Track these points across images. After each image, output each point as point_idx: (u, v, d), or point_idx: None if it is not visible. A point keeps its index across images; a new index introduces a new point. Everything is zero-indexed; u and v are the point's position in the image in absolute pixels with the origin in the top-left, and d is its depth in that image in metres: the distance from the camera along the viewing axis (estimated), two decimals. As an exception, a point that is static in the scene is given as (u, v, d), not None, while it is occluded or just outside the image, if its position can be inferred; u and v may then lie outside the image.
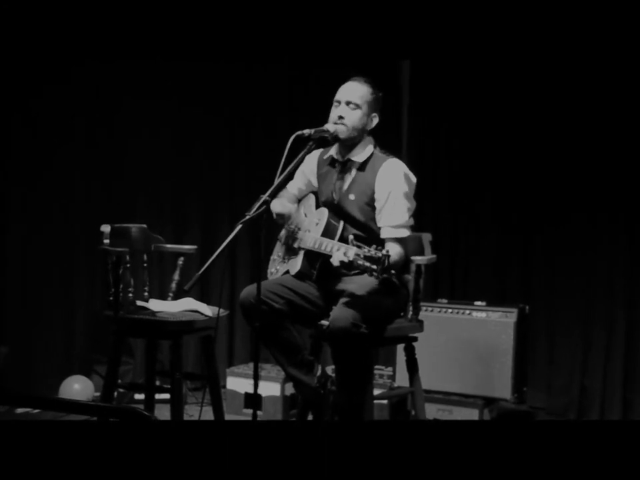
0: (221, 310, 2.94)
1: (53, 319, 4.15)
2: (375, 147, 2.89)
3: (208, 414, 3.17)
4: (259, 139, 4.37)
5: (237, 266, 4.42)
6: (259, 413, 3.73)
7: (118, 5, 3.98)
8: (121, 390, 3.75)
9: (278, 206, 2.90)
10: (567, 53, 3.90)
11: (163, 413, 3.42)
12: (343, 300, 2.67)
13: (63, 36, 3.99)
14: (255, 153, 4.37)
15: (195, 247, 3.43)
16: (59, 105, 4.12)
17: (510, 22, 3.93)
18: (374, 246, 2.45)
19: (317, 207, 2.99)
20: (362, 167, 2.86)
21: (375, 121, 2.87)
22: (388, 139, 3.41)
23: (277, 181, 2.56)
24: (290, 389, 3.74)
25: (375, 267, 2.41)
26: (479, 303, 3.86)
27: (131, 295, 3.11)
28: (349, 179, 2.89)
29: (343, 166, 2.91)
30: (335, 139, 2.84)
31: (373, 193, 2.81)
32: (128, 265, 3.07)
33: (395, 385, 3.78)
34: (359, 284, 2.71)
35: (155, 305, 3.05)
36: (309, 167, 3.02)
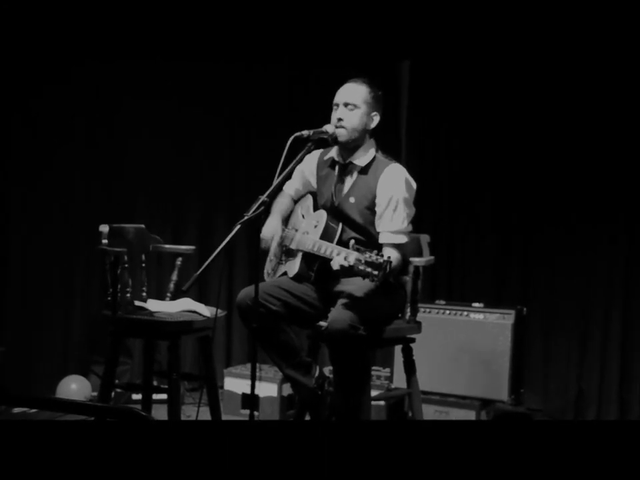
0: (219, 310, 2.94)
1: (51, 319, 4.15)
2: (377, 151, 2.88)
3: (205, 414, 3.18)
4: (259, 139, 4.37)
5: (235, 266, 4.42)
6: (256, 413, 3.73)
7: (118, 5, 3.98)
8: (119, 390, 3.75)
9: (265, 230, 2.89)
10: (567, 52, 3.90)
11: (160, 413, 3.42)
12: (341, 302, 2.67)
13: (63, 36, 3.99)
14: (255, 153, 4.38)
15: (193, 247, 3.43)
16: (58, 105, 4.12)
17: (510, 22, 3.93)
18: (375, 251, 2.46)
19: (315, 208, 2.99)
20: (364, 170, 2.86)
21: (376, 119, 2.87)
22: (387, 139, 3.41)
23: (275, 182, 2.57)
24: (287, 390, 3.74)
25: (375, 272, 2.41)
26: (476, 304, 3.87)
27: (129, 295, 3.11)
28: (349, 182, 2.89)
29: (344, 168, 2.90)
30: (334, 140, 2.84)
31: (374, 197, 2.81)
32: (126, 265, 3.07)
33: (393, 386, 3.78)
34: (357, 285, 2.71)
35: (152, 305, 3.06)
36: (308, 168, 3.02)
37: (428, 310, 3.86)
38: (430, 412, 3.72)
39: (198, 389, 4.11)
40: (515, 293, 4.10)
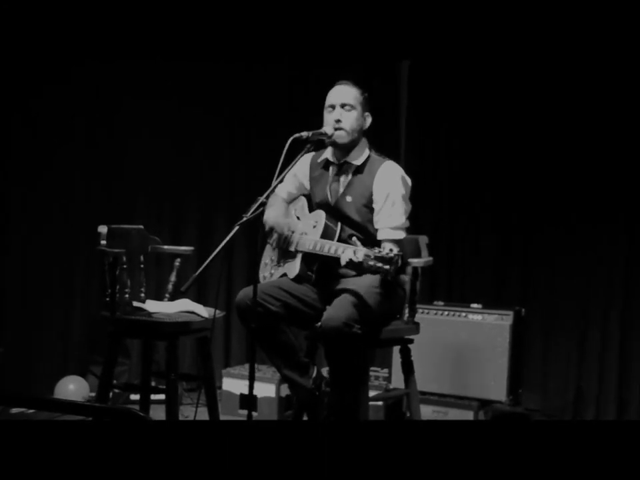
0: (217, 311, 2.94)
1: (50, 320, 4.15)
2: (370, 149, 2.92)
3: (203, 415, 3.18)
4: (259, 139, 4.37)
5: (234, 267, 4.42)
6: (254, 413, 3.73)
7: (118, 5, 3.98)
8: (117, 390, 3.75)
9: (272, 216, 2.91)
10: (567, 52, 3.90)
11: (158, 413, 3.42)
12: (337, 300, 2.67)
13: (63, 36, 3.99)
14: (255, 153, 4.38)
15: (191, 248, 3.43)
16: (59, 105, 4.12)
17: (509, 22, 3.93)
18: (383, 246, 2.45)
19: (310, 209, 3.00)
20: (359, 169, 2.88)
21: (369, 120, 2.90)
22: (386, 139, 3.43)
23: (274, 183, 2.57)
24: (285, 390, 3.74)
25: (387, 267, 2.41)
26: (475, 305, 3.87)
27: (127, 295, 3.11)
28: (345, 181, 2.90)
29: (339, 168, 2.91)
30: (333, 143, 2.85)
31: (371, 194, 2.83)
32: (125, 266, 3.07)
33: (391, 386, 3.79)
34: (357, 284, 2.71)
35: (151, 305, 3.05)
36: (301, 170, 3.02)
37: (426, 311, 3.86)
38: (428, 412, 3.72)
39: (196, 389, 4.11)
40: (514, 293, 4.11)
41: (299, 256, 2.86)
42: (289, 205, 3.10)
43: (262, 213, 2.48)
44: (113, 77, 4.21)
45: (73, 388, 3.90)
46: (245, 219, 2.41)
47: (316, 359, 3.04)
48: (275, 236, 2.99)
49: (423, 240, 3.16)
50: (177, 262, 3.32)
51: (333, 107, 2.85)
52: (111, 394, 3.38)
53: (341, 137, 2.83)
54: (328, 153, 2.95)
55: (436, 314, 3.88)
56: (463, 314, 3.84)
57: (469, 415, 3.72)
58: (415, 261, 2.98)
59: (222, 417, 3.42)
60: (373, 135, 2.96)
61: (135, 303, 3.08)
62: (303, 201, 3.05)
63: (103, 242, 3.04)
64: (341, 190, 2.89)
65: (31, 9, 3.90)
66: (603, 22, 3.75)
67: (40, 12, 3.92)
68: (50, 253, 4.12)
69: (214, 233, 4.34)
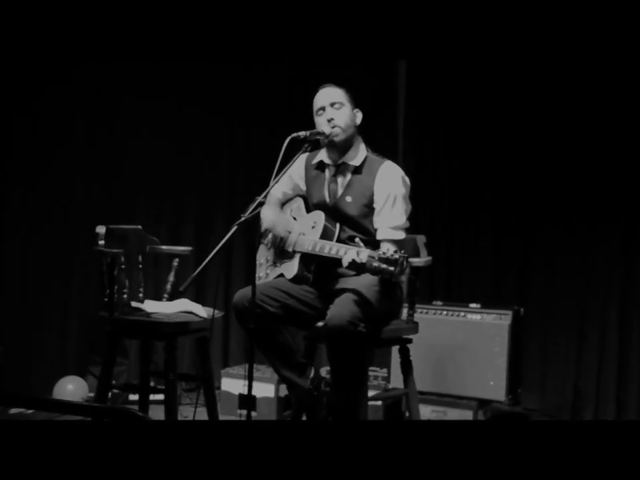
0: (216, 311, 2.94)
1: (49, 320, 4.14)
2: (367, 149, 2.92)
3: (202, 415, 3.17)
4: (259, 139, 4.37)
5: (232, 267, 4.42)
6: (253, 414, 3.73)
7: (118, 5, 3.98)
8: (115, 390, 3.74)
9: (269, 217, 2.91)
10: (566, 53, 3.90)
11: (157, 413, 3.42)
12: (340, 298, 2.66)
13: (63, 36, 3.99)
14: (255, 153, 4.38)
15: (190, 248, 3.43)
16: (59, 105, 4.12)
17: (508, 21, 3.93)
18: (381, 245, 2.45)
19: (307, 210, 2.99)
20: (357, 170, 2.88)
21: (360, 115, 2.91)
22: (385, 139, 3.43)
23: (272, 183, 2.57)
24: (284, 391, 3.74)
25: (392, 268, 2.40)
26: (473, 305, 3.87)
27: (125, 296, 3.11)
28: (343, 182, 2.90)
29: (336, 169, 2.91)
30: (330, 142, 2.85)
31: (372, 194, 2.83)
32: (123, 266, 3.07)
33: (390, 386, 3.79)
34: (358, 283, 2.71)
35: (149, 306, 3.05)
36: (296, 171, 3.03)
37: (425, 310, 3.86)
38: (427, 412, 3.72)
39: (195, 389, 4.10)
40: (513, 293, 4.11)
41: (297, 256, 2.86)
42: (284, 205, 3.10)
43: (260, 212, 2.48)
44: (113, 77, 4.21)
45: (71, 388, 3.90)
46: (243, 218, 2.41)
47: (314, 360, 3.04)
48: (269, 236, 2.99)
49: (421, 239, 3.16)
50: (175, 262, 3.31)
51: (322, 108, 2.86)
52: (109, 394, 3.38)
53: (338, 135, 2.83)
54: (322, 155, 2.95)
55: (435, 314, 3.88)
56: (462, 314, 3.84)
57: (467, 415, 3.72)
58: (414, 261, 2.99)
59: (221, 417, 3.42)
60: (372, 134, 2.96)
61: (134, 303, 3.08)
62: (300, 202, 3.05)
63: (101, 242, 3.04)
64: (340, 191, 2.89)
65: (31, 9, 3.89)
66: (602, 22, 3.75)
67: (40, 12, 3.91)
68: (49, 253, 4.12)
69: (212, 233, 4.34)
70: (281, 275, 2.92)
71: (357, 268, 2.50)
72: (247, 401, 2.56)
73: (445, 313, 3.87)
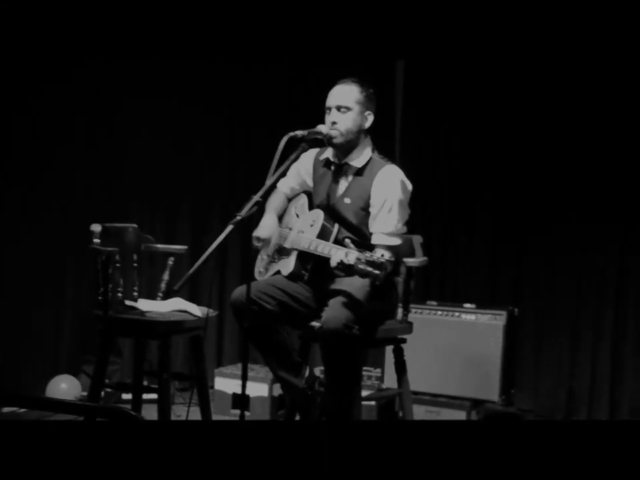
0: (210, 310, 2.94)
1: (42, 318, 4.12)
2: (373, 151, 2.88)
3: (195, 414, 3.17)
4: (258, 138, 4.36)
5: (227, 266, 4.41)
6: (246, 413, 3.72)
7: (118, 5, 3.97)
8: (109, 390, 3.73)
9: (263, 230, 2.89)
10: (565, 52, 3.90)
11: (150, 413, 3.41)
12: (334, 301, 2.66)
13: (63, 36, 3.98)
14: (255, 153, 4.36)
15: (185, 247, 3.43)
16: (59, 105, 4.10)
17: (506, 21, 3.92)
18: (375, 250, 2.46)
19: (310, 207, 2.99)
20: (359, 171, 2.85)
21: (370, 119, 2.86)
22: (382, 139, 3.38)
23: (268, 182, 2.57)
24: (278, 390, 3.73)
25: (377, 272, 2.41)
26: (468, 305, 3.88)
27: (120, 294, 3.10)
28: (345, 182, 2.89)
29: (339, 169, 2.90)
30: (329, 141, 2.84)
31: (369, 198, 2.81)
32: (118, 265, 3.06)
33: (384, 386, 3.79)
34: (352, 285, 2.71)
35: (144, 304, 3.05)
36: (304, 167, 3.02)
37: (419, 310, 3.86)
38: (420, 412, 3.72)
39: (188, 388, 4.10)
40: (507, 293, 4.11)
41: (294, 254, 2.86)
42: (289, 202, 3.09)
43: (257, 211, 2.47)
44: (113, 77, 4.20)
45: (65, 387, 3.89)
46: (239, 217, 2.40)
47: (309, 359, 3.04)
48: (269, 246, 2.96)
49: (417, 239, 3.16)
50: (170, 261, 3.31)
51: (329, 108, 2.84)
52: (103, 393, 3.37)
53: (336, 137, 2.81)
54: (329, 152, 2.94)
55: (429, 314, 3.88)
56: (456, 314, 3.84)
57: (461, 415, 3.73)
58: (409, 261, 2.98)
59: (214, 417, 3.41)
60: (371, 134, 2.95)
61: (128, 302, 3.07)
62: (304, 199, 3.04)
63: (96, 240, 3.03)
64: (340, 192, 2.88)
65: (31, 9, 3.88)
66: (601, 22, 3.75)
67: (40, 12, 3.90)
68: (49, 253, 4.10)
69: (209, 232, 4.33)
70: (278, 272, 2.91)
71: (345, 269, 2.50)
72: (241, 400, 2.56)
73: (439, 313, 3.87)
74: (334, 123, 2.80)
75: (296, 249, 2.85)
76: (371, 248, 2.72)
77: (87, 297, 4.14)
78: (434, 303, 3.95)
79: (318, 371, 3.47)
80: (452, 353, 3.79)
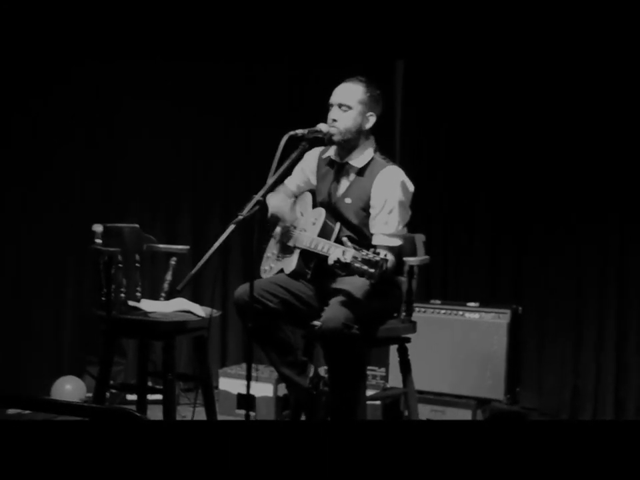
0: (214, 310, 2.94)
1: (44, 319, 4.13)
2: (375, 152, 2.87)
3: (200, 415, 3.16)
4: (258, 138, 4.35)
5: (230, 266, 4.41)
6: (251, 413, 3.72)
7: (118, 5, 3.97)
8: (113, 391, 3.73)
9: (275, 202, 2.89)
10: (564, 52, 3.89)
11: (155, 413, 3.41)
12: (335, 300, 2.66)
13: (63, 36, 3.98)
14: (255, 153, 4.36)
15: (187, 247, 3.43)
16: (58, 105, 4.11)
17: (506, 21, 3.92)
18: (372, 249, 2.46)
19: (314, 206, 2.99)
20: (361, 171, 2.85)
21: (372, 120, 2.85)
22: (382, 139, 3.38)
23: (269, 181, 2.57)
24: (283, 390, 3.73)
25: (372, 270, 2.41)
26: (471, 303, 3.87)
27: (122, 295, 3.10)
28: (346, 182, 2.89)
29: (341, 168, 2.90)
30: (329, 140, 2.84)
31: (369, 198, 2.80)
32: (120, 265, 3.06)
33: (388, 385, 3.78)
34: (354, 284, 2.71)
35: (147, 305, 3.05)
36: (309, 166, 3.02)
37: (423, 309, 3.86)
38: (425, 411, 3.72)
39: (193, 389, 4.09)
40: (511, 291, 4.10)
41: (297, 252, 2.86)
42: (295, 200, 3.08)
43: (258, 211, 2.47)
44: (113, 77, 4.20)
45: (69, 388, 3.89)
46: (240, 217, 2.40)
47: (313, 358, 3.04)
48: (277, 229, 2.97)
49: (420, 238, 3.15)
50: (173, 261, 3.30)
51: (332, 105, 2.84)
52: (107, 394, 3.38)
53: (334, 135, 2.81)
54: (332, 151, 2.94)
55: (433, 313, 3.87)
56: (460, 312, 3.84)
57: (466, 414, 3.72)
58: (411, 260, 2.98)
59: (219, 417, 3.42)
60: (373, 134, 2.94)
61: (131, 303, 3.07)
62: (309, 198, 3.04)
63: (98, 240, 3.03)
64: (341, 191, 2.88)
65: (31, 9, 3.88)
66: (600, 22, 3.74)
67: (40, 12, 3.90)
68: (48, 253, 4.10)
69: (210, 232, 4.33)
70: (282, 270, 2.92)
71: (342, 267, 2.49)
72: (246, 400, 2.56)
73: (443, 311, 3.86)
74: (334, 120, 2.80)
75: (298, 247, 2.85)
76: (373, 248, 2.72)
77: (87, 297, 4.14)
78: (437, 301, 3.95)
79: (323, 370, 3.46)
80: (456, 352, 3.78)
